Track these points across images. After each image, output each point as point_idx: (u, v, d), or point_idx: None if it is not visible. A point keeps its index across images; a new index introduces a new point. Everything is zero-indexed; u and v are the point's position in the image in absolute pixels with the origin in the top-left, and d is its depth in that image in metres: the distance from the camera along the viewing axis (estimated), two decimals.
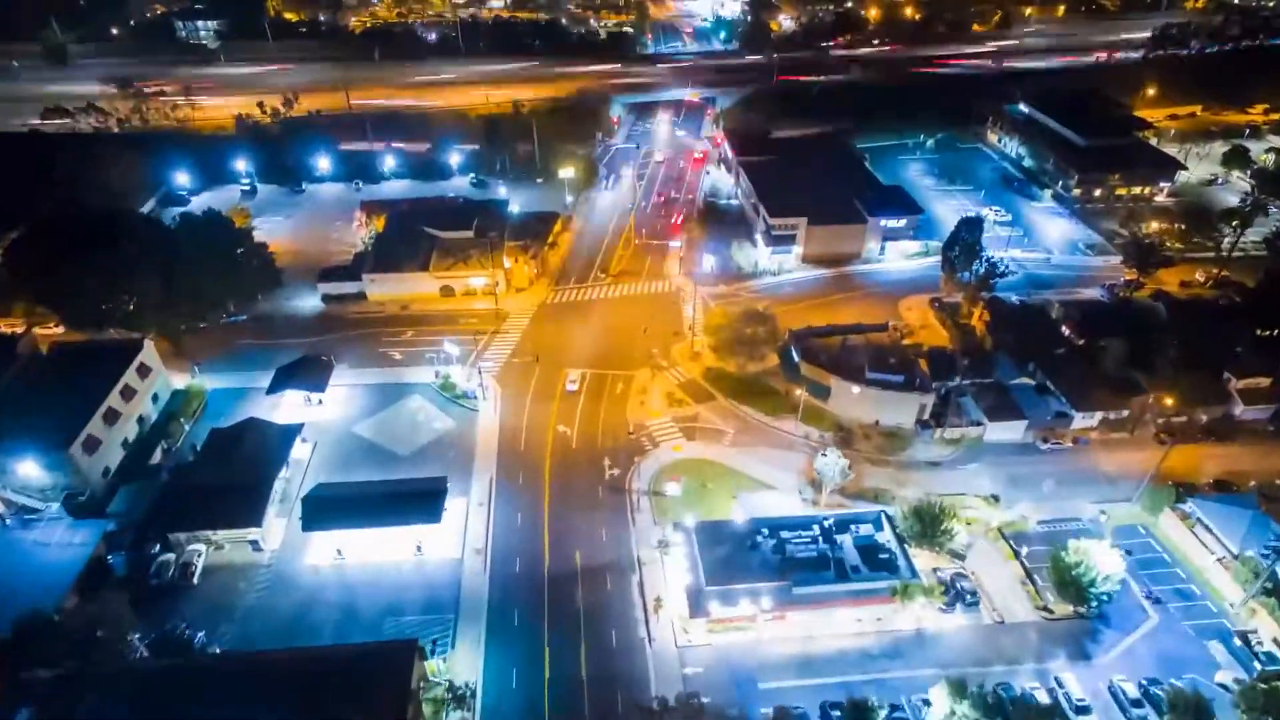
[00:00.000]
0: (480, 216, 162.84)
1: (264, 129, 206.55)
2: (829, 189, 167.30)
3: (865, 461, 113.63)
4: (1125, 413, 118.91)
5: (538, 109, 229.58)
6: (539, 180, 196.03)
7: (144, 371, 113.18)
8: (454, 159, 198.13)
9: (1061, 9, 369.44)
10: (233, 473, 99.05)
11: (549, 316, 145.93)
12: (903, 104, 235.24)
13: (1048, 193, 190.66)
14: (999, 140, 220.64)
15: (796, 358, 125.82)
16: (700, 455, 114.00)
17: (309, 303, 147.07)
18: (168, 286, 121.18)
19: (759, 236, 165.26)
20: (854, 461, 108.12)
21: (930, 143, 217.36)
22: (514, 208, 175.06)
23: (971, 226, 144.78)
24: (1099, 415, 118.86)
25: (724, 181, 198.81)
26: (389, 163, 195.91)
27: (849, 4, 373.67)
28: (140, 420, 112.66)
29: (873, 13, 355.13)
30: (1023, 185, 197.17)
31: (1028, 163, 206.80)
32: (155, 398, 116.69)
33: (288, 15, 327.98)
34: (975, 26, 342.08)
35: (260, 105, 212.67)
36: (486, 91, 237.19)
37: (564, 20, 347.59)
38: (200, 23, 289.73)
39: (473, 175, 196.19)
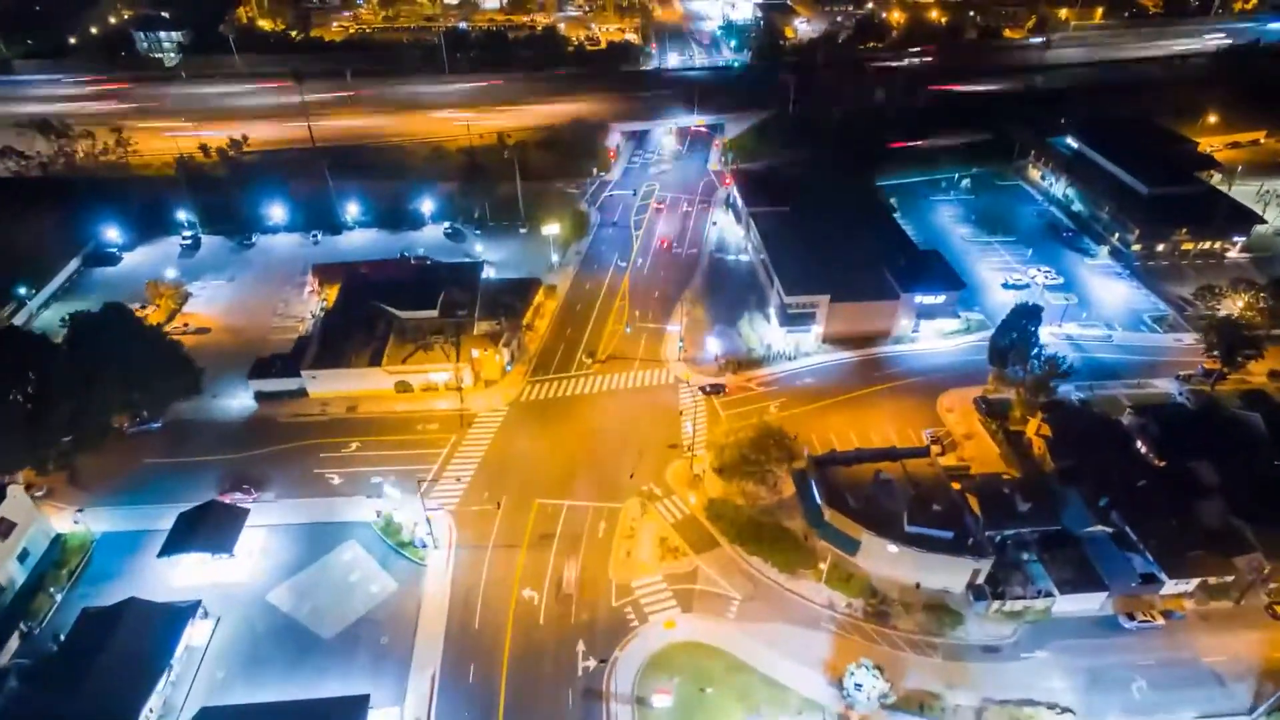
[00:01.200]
0: (449, 285, 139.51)
1: (209, 172, 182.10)
2: (854, 254, 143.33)
3: (905, 646, 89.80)
4: (1230, 578, 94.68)
5: (525, 140, 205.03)
6: (522, 230, 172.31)
7: (3, 529, 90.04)
8: (426, 206, 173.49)
9: (1099, 12, 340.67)
10: (96, 686, 76.17)
11: (523, 419, 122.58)
12: (932, 130, 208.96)
13: (1104, 249, 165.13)
14: (1043, 178, 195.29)
15: (819, 499, 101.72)
16: (698, 636, 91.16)
17: (240, 402, 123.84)
18: (46, 409, 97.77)
19: (772, 311, 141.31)
20: (891, 649, 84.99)
21: (965, 182, 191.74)
22: (489, 272, 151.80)
23: (1028, 317, 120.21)
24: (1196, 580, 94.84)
25: (732, 230, 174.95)
26: (351, 210, 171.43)
27: (870, 3, 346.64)
28: None
29: (895, 14, 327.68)
30: (1074, 237, 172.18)
31: (1078, 207, 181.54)
32: (24, 554, 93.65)
33: (262, 24, 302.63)
34: (1007, 32, 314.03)
35: (203, 149, 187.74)
36: (469, 119, 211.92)
37: (561, 26, 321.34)
38: (163, 34, 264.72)
39: (447, 225, 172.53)
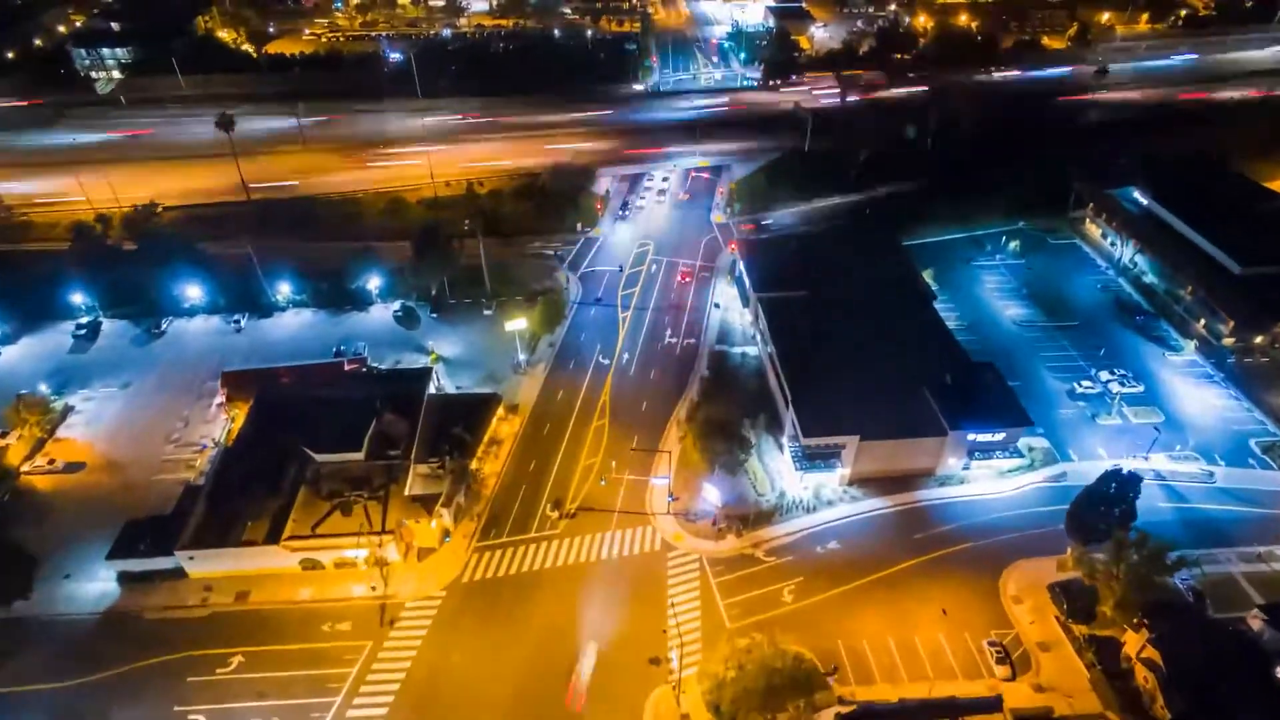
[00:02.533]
0: (385, 407, 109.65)
1: (113, 242, 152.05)
2: (888, 368, 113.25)
3: None
4: None
5: (499, 189, 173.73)
6: (487, 311, 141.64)
7: None
8: (374, 283, 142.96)
9: (1144, 17, 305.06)
10: None
11: (463, 612, 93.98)
12: (972, 174, 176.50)
13: (1191, 344, 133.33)
14: (1104, 236, 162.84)
15: None
16: None
17: (101, 586, 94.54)
18: None
19: (785, 442, 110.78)
20: None
21: (1014, 244, 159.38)
22: (439, 385, 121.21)
23: (1123, 486, 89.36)
24: None
25: (736, 308, 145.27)
26: (284, 290, 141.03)
27: (893, 5, 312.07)
28: None
29: (921, 18, 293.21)
30: (1149, 322, 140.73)
31: (1150, 279, 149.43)
32: None
33: (222, 35, 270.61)
34: (1046, 40, 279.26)
35: (100, 220, 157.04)
36: (435, 153, 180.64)
37: (556, 32, 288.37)
38: (106, 50, 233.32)
39: (399, 305, 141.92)
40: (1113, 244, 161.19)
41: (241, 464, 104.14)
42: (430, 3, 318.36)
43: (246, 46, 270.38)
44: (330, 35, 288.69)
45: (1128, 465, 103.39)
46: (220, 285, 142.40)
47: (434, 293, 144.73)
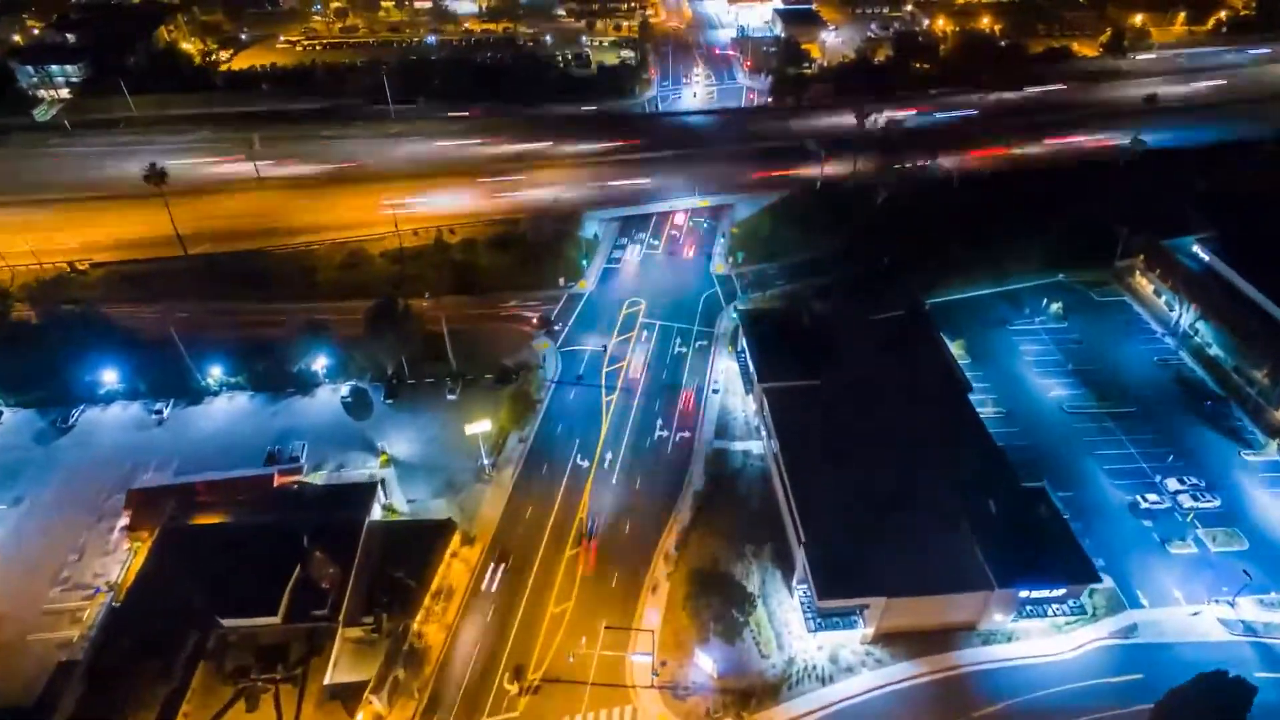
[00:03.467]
0: (319, 536, 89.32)
1: (17, 318, 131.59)
2: (921, 494, 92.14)
3: None
4: None
5: (474, 238, 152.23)
6: (451, 395, 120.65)
7: None
8: (319, 364, 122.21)
9: (1180, 18, 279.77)
10: None
11: None
12: (1004, 217, 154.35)
13: (1274, 443, 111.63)
14: (1158, 294, 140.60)
15: None
16: None
17: None
18: None
19: (795, 587, 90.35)
20: None
21: (1056, 307, 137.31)
22: (389, 497, 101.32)
23: (1226, 699, 68.35)
24: None
25: (738, 392, 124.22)
26: (214, 373, 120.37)
27: (909, 6, 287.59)
28: None
29: (941, 22, 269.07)
30: (1219, 409, 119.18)
31: (1215, 351, 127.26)
32: None
33: (186, 47, 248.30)
34: (1075, 46, 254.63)
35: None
36: (402, 205, 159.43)
37: (548, 39, 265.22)
38: (56, 67, 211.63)
39: (350, 387, 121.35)
40: (1169, 304, 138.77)
41: (131, 629, 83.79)
42: (416, 4, 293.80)
43: (216, 57, 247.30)
44: (307, 43, 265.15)
45: (1211, 611, 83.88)
46: (142, 365, 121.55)
47: (390, 373, 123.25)
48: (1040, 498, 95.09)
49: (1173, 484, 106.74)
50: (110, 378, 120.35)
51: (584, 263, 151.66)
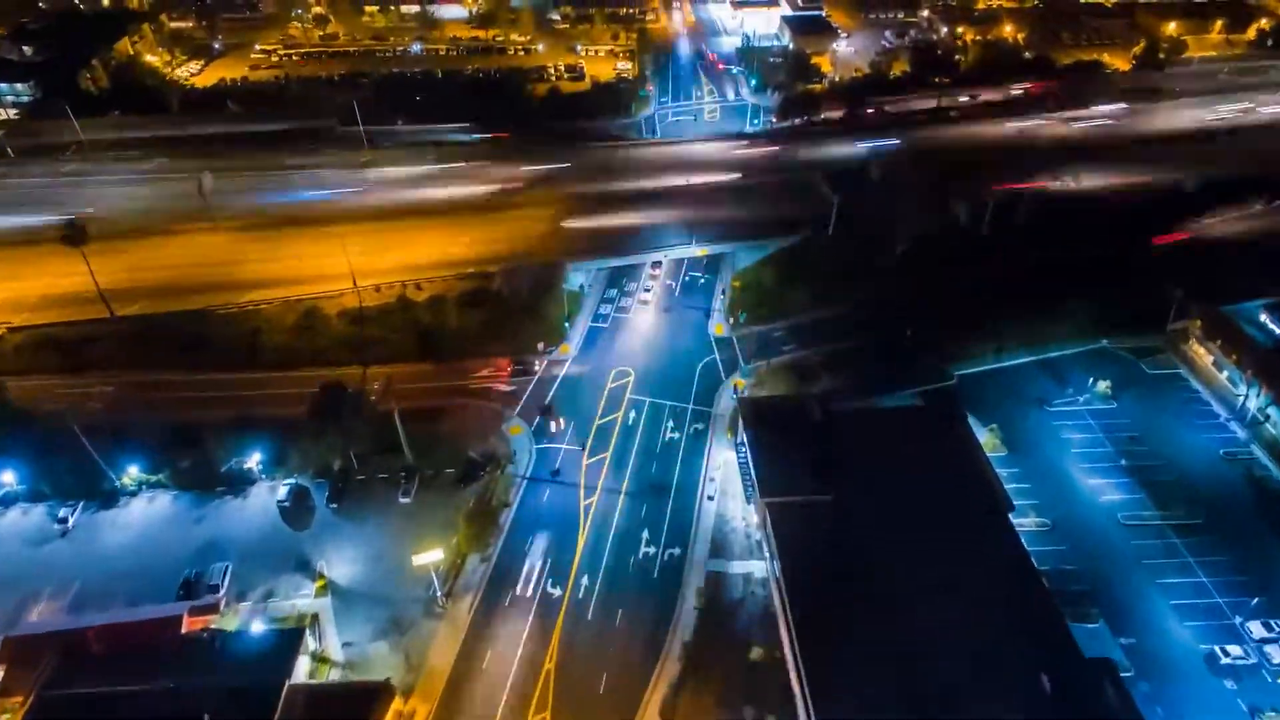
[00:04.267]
0: (228, 704, 73.45)
1: None
2: (956, 661, 77.50)
3: None
4: None
5: (443, 295, 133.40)
6: (405, 498, 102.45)
7: None
8: (253, 461, 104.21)
9: (1218, 26, 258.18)
10: None
11: None
12: (1037, 265, 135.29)
13: None
14: (1219, 368, 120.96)
15: None
16: None
17: None
18: None
19: None
20: None
21: (1103, 385, 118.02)
22: (318, 642, 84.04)
23: None
24: None
25: (737, 496, 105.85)
26: (131, 472, 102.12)
27: (925, 11, 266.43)
28: None
29: (961, 29, 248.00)
30: None
31: None
32: None
33: (151, 59, 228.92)
34: (1105, 58, 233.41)
35: None
36: (369, 247, 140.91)
37: (540, 48, 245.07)
38: (4, 85, 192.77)
39: (290, 486, 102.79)
40: (1232, 380, 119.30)
41: None
42: (402, 8, 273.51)
43: (185, 70, 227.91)
44: (283, 53, 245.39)
45: None
46: (50, 458, 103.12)
47: (337, 468, 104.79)
48: (1104, 672, 76.14)
49: (1257, 629, 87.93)
50: (8, 478, 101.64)
51: (566, 324, 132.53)
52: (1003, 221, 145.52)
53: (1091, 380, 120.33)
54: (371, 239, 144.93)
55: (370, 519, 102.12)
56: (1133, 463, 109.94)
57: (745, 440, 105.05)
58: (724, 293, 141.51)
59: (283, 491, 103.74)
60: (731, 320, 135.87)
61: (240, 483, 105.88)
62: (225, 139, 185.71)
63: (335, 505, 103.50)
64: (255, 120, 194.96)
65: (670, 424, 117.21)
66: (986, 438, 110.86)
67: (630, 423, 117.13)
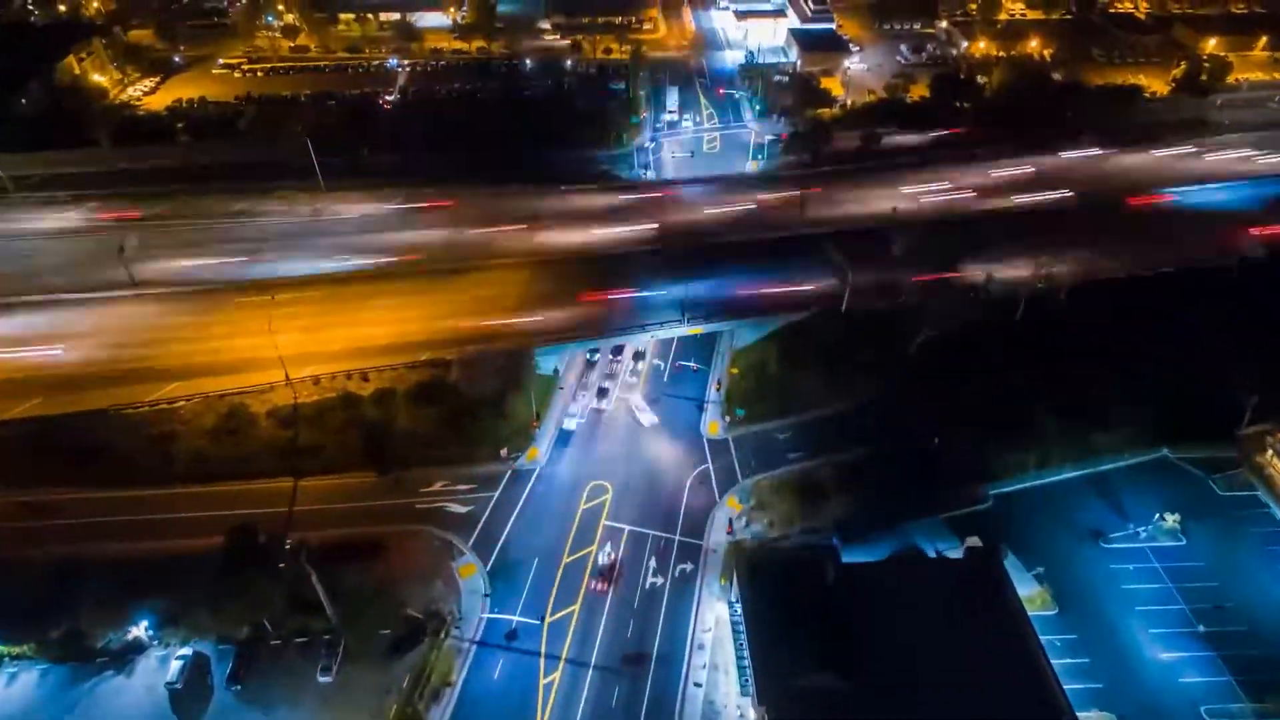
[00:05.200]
0: None
1: None
2: None
3: None
4: None
5: (392, 389, 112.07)
6: (325, 675, 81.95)
7: None
8: (133, 632, 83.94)
9: (1261, 43, 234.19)
10: None
11: None
12: (1082, 354, 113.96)
13: None
14: None
15: None
16: None
17: None
18: None
19: None
20: None
21: (1171, 520, 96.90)
22: None
23: None
24: None
25: (728, 667, 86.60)
26: None
27: (944, 23, 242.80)
28: None
29: (981, 43, 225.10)
30: None
31: None
32: None
33: (98, 79, 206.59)
34: (1141, 80, 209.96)
35: None
36: (312, 328, 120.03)
37: (528, 61, 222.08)
38: None
39: (186, 656, 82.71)
40: None
41: None
42: (381, 16, 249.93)
43: (134, 90, 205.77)
44: (249, 67, 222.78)
45: None
46: None
47: (245, 636, 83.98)
48: None
49: None
50: None
51: (535, 423, 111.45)
52: (1042, 301, 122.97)
53: (1157, 516, 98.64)
54: (316, 309, 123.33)
55: (278, 706, 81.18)
56: (1212, 628, 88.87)
57: (740, 602, 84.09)
58: (719, 383, 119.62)
59: (175, 668, 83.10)
60: (728, 418, 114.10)
61: (125, 651, 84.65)
62: (171, 175, 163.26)
63: (239, 685, 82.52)
64: (205, 152, 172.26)
65: (653, 563, 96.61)
66: (1034, 592, 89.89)
67: (604, 561, 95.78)
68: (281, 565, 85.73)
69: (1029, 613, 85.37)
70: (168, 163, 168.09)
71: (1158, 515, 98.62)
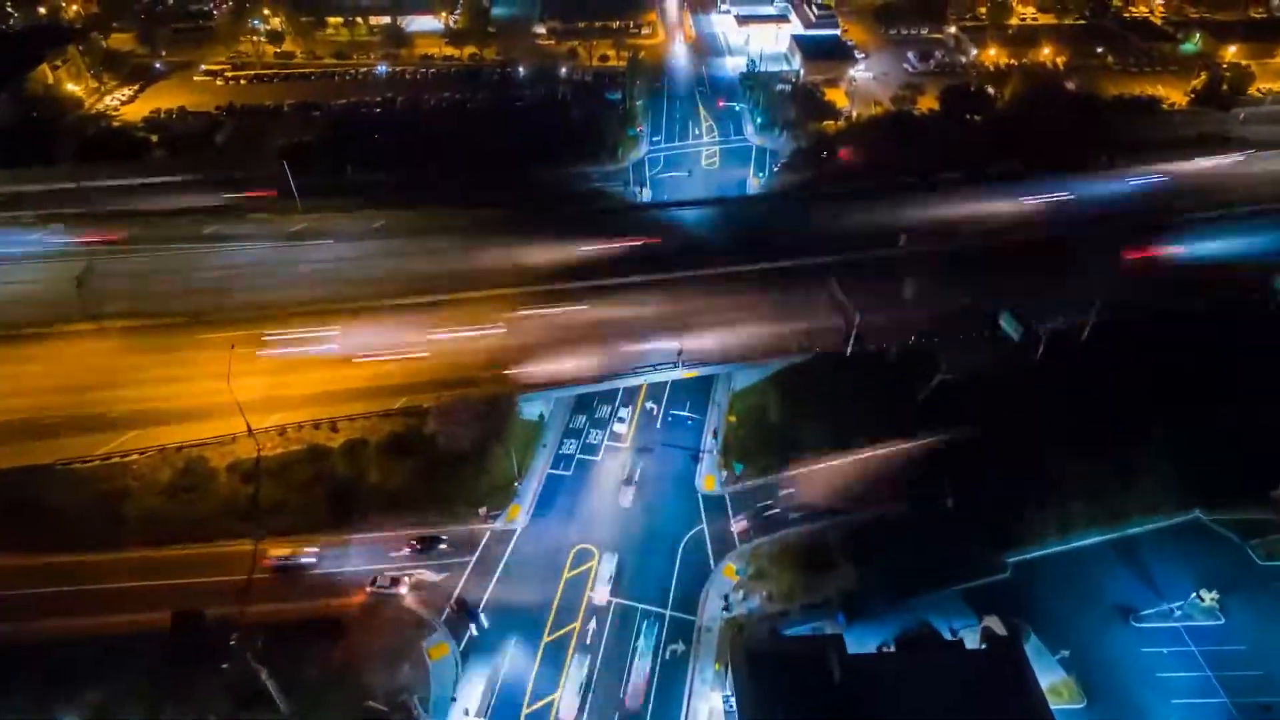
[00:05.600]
0: None
1: None
2: None
3: None
4: None
5: (364, 439, 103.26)
6: None
7: None
8: None
9: None
10: None
11: None
12: (1102, 402, 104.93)
13: None
14: None
15: None
16: None
17: None
18: None
19: None
20: None
21: (1209, 599, 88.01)
22: None
23: None
24: None
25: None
26: None
27: (953, 29, 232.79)
28: None
29: (992, 51, 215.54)
30: None
31: None
32: None
33: (71, 88, 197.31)
34: (1163, 91, 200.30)
35: None
36: (278, 368, 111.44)
37: (521, 69, 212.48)
38: None
39: None
40: None
41: None
42: (371, 20, 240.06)
43: (111, 100, 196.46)
44: (231, 74, 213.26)
45: None
46: None
47: None
48: None
49: None
50: None
51: (516, 479, 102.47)
52: (1063, 340, 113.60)
53: (1193, 594, 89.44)
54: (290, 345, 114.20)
55: None
56: None
57: (735, 695, 75.17)
58: (715, 434, 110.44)
59: None
60: (725, 474, 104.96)
61: None
62: (142, 193, 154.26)
63: None
64: (180, 169, 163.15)
65: (641, 643, 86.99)
66: (1059, 681, 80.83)
67: (589, 641, 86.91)
68: (225, 666, 76.18)
69: (1054, 706, 76.20)
70: (139, 179, 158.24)
71: (1194, 594, 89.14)
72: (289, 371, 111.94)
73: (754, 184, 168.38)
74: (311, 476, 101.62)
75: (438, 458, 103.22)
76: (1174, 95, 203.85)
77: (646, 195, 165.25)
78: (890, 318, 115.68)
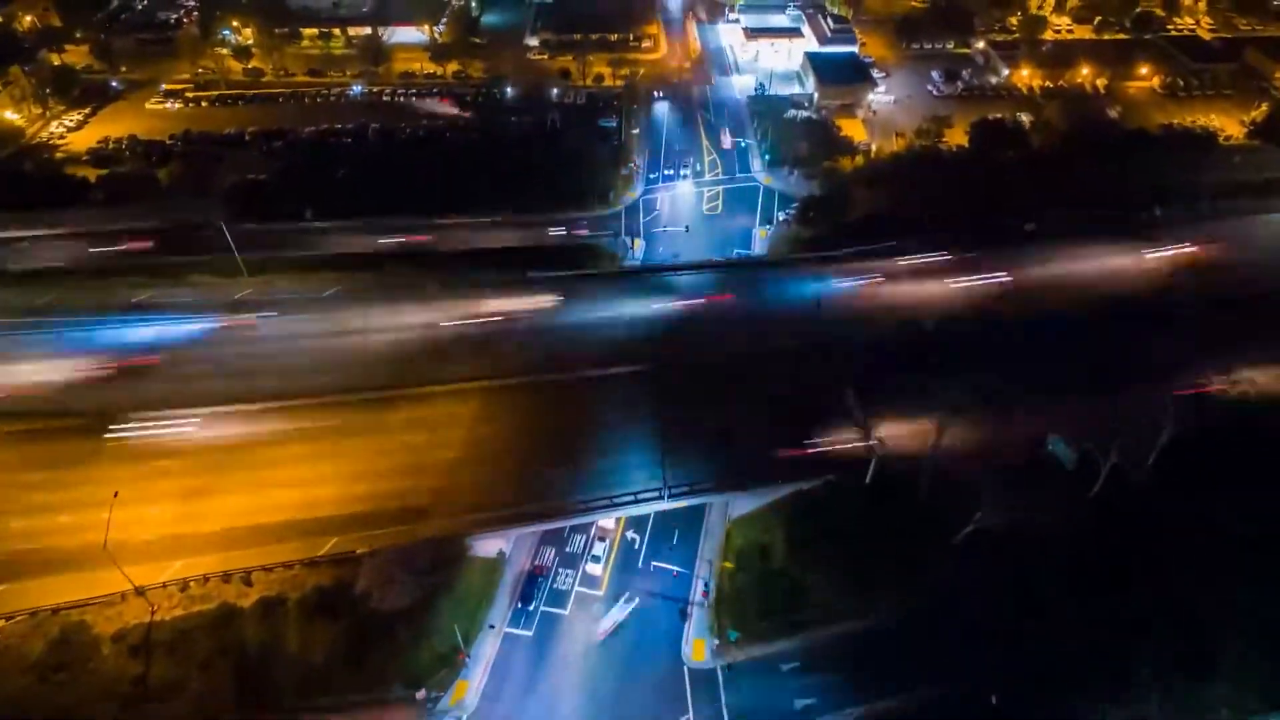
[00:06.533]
0: None
1: None
2: None
3: None
4: None
5: (283, 597, 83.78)
6: None
7: None
8: None
9: None
10: None
11: None
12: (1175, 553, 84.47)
13: None
14: None
15: None
16: None
17: None
18: None
19: None
20: None
21: None
22: None
23: None
24: None
25: None
26: None
27: (981, 44, 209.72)
28: None
29: (1024, 72, 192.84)
30: None
31: None
32: None
33: (10, 117, 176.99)
34: (1215, 120, 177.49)
35: None
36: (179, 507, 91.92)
37: (509, 90, 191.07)
38: None
39: None
40: None
41: None
42: (350, 31, 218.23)
43: (57, 126, 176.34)
44: (193, 95, 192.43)
45: None
46: None
47: None
48: None
49: None
50: None
51: (464, 648, 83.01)
52: (1124, 473, 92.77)
53: None
54: (203, 462, 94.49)
55: None
56: None
57: None
58: (706, 583, 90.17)
59: None
60: (717, 640, 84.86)
61: None
62: (69, 248, 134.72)
63: None
64: (119, 215, 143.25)
65: None
66: None
67: None
68: None
69: None
70: (70, 229, 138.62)
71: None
72: (201, 497, 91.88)
73: (760, 236, 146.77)
74: (216, 648, 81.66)
75: (371, 621, 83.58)
76: (1230, 126, 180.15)
77: (639, 250, 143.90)
78: (918, 436, 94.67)
